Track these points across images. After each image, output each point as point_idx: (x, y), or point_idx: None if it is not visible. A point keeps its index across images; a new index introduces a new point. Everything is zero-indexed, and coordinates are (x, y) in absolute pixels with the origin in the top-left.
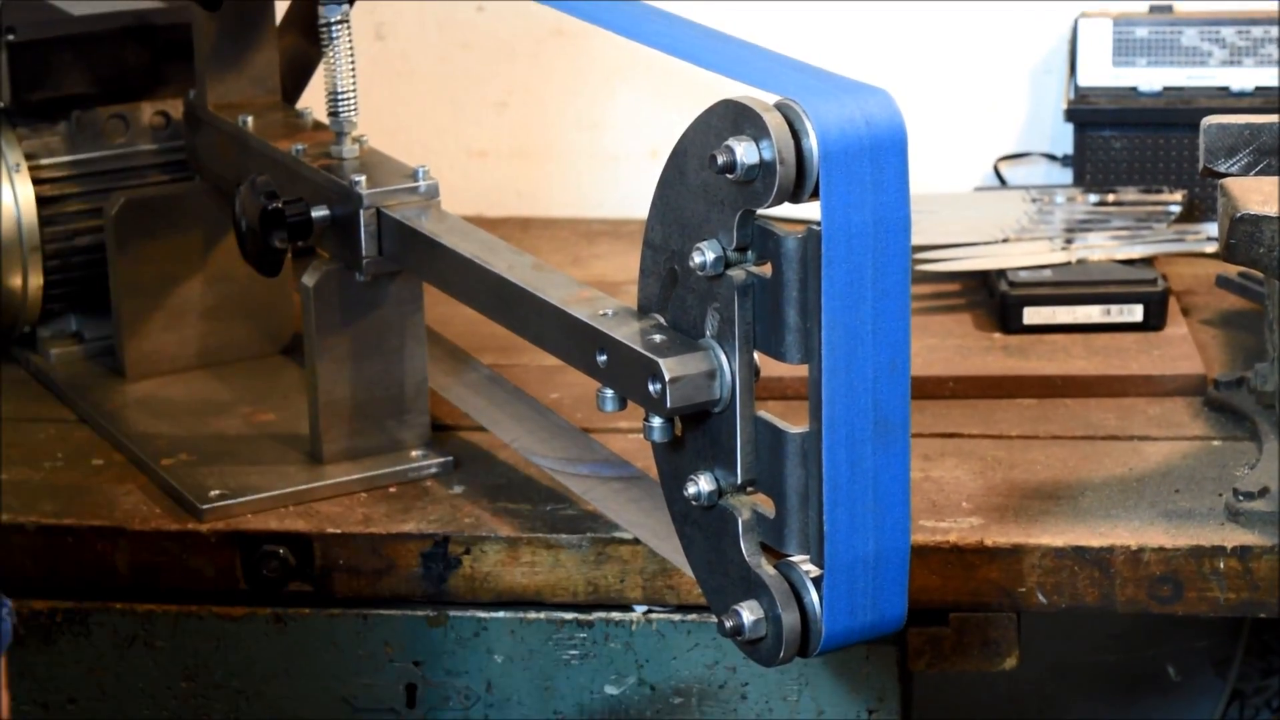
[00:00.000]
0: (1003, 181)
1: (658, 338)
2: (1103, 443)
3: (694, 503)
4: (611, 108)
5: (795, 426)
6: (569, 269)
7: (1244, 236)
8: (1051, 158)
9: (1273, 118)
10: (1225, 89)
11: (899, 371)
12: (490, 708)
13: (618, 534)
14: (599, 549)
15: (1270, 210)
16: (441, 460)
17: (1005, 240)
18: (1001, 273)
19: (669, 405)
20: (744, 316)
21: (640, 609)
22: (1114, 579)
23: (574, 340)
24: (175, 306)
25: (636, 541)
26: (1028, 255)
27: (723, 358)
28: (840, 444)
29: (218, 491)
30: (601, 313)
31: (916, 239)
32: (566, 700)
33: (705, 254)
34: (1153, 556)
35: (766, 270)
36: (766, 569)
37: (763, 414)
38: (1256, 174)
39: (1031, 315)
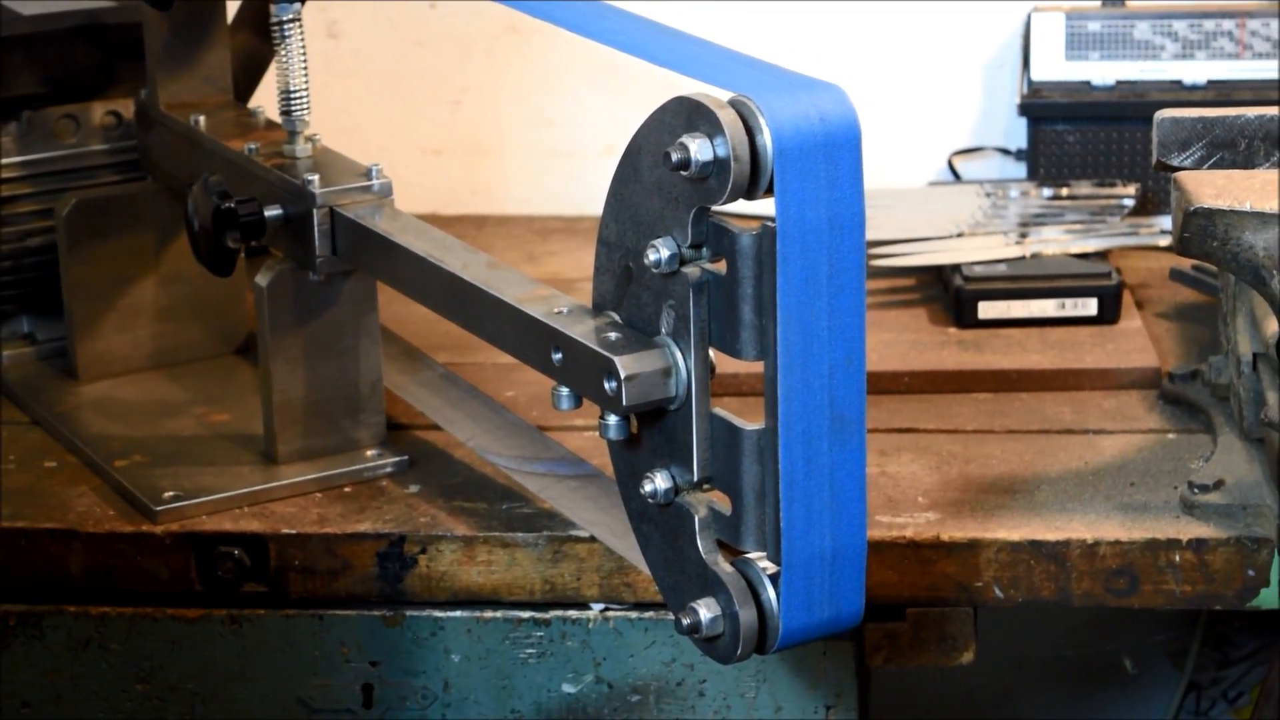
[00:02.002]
0: (957, 176)
1: (613, 335)
2: (1058, 436)
3: (650, 500)
4: (566, 105)
5: (751, 423)
6: (524, 266)
7: (1197, 230)
8: (1005, 152)
9: (1226, 111)
10: (1178, 82)
11: (854, 367)
12: (448, 707)
13: (574, 532)
14: (555, 547)
15: (1223, 204)
16: (396, 459)
17: (960, 235)
18: (956, 267)
19: (625, 403)
20: (699, 314)
21: (597, 607)
22: (1070, 573)
23: (529, 338)
24: (128, 307)
25: (593, 540)
26: (982, 250)
27: (678, 355)
28: (796, 440)
29: (171, 493)
30: (556, 310)
31: (871, 234)
32: (524, 699)
33: (660, 251)
34: (1108, 550)
35: (721, 267)
36: (723, 566)
37: (719, 411)
38: (1210, 167)
39: (986, 310)
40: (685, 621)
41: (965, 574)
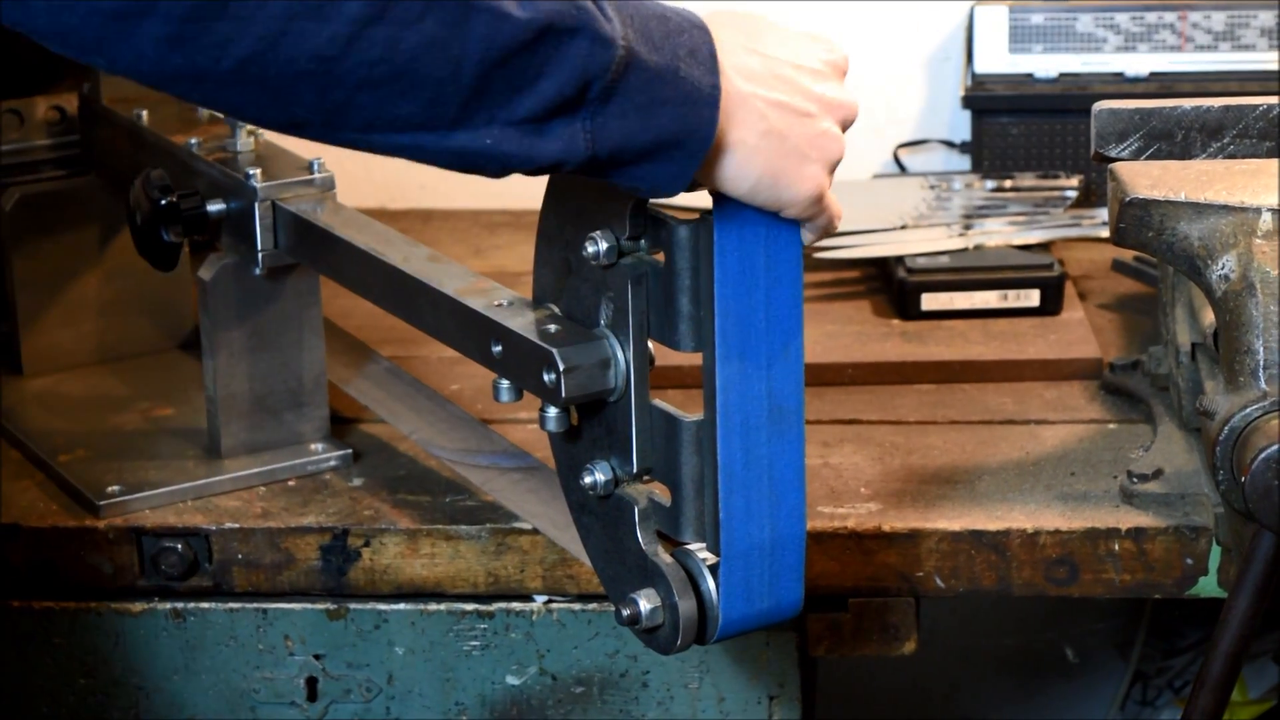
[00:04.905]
0: (902, 168)
1: (552, 328)
2: (1000, 427)
3: (590, 492)
4: None
5: (690, 415)
6: (470, 260)
7: (1133, 220)
8: (949, 144)
9: (1164, 103)
10: (1120, 74)
11: (793, 358)
12: (392, 700)
13: (517, 524)
14: (499, 540)
15: (1159, 194)
16: (340, 453)
17: (904, 227)
18: (899, 259)
19: (564, 395)
20: (638, 305)
21: (540, 599)
22: (1010, 562)
23: (469, 331)
24: (72, 302)
25: (535, 532)
26: (925, 242)
27: (617, 347)
28: (734, 431)
29: (115, 487)
30: (496, 303)
31: None
32: (468, 691)
33: (598, 243)
34: (1048, 539)
35: (659, 259)
36: (663, 557)
37: (657, 402)
38: (1147, 158)
39: (929, 301)
40: (625, 612)
41: (907, 564)
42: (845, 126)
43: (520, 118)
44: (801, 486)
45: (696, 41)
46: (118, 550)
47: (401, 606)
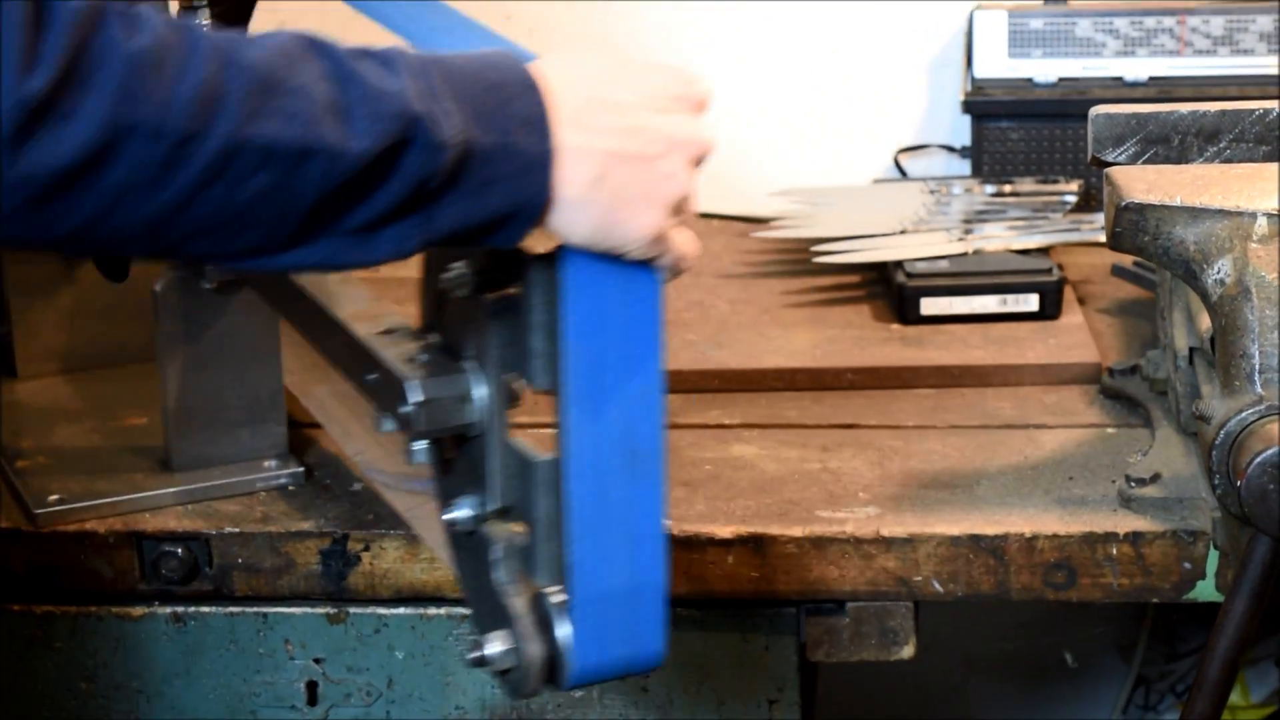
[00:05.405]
0: (903, 173)
1: (422, 358)
2: (999, 431)
3: (453, 528)
4: None
5: (543, 454)
6: None
7: (1129, 225)
8: (950, 149)
9: (1161, 107)
10: (1119, 79)
11: (650, 400)
12: (392, 704)
13: None
14: None
15: (1155, 199)
16: (292, 471)
17: (903, 231)
18: (899, 264)
19: (418, 427)
20: (496, 339)
21: None
22: (1009, 566)
23: (351, 357)
24: (69, 306)
25: None
26: (925, 246)
27: (479, 381)
28: (586, 473)
29: (55, 496)
30: (380, 330)
31: (816, 231)
32: (468, 695)
33: (458, 272)
34: (1046, 544)
35: (518, 293)
36: (518, 599)
37: (513, 440)
38: (1144, 163)
39: (929, 306)
40: (471, 655)
41: (905, 568)
42: (698, 161)
43: (354, 229)
44: (660, 533)
45: (529, 107)
46: (118, 554)
47: (401, 611)
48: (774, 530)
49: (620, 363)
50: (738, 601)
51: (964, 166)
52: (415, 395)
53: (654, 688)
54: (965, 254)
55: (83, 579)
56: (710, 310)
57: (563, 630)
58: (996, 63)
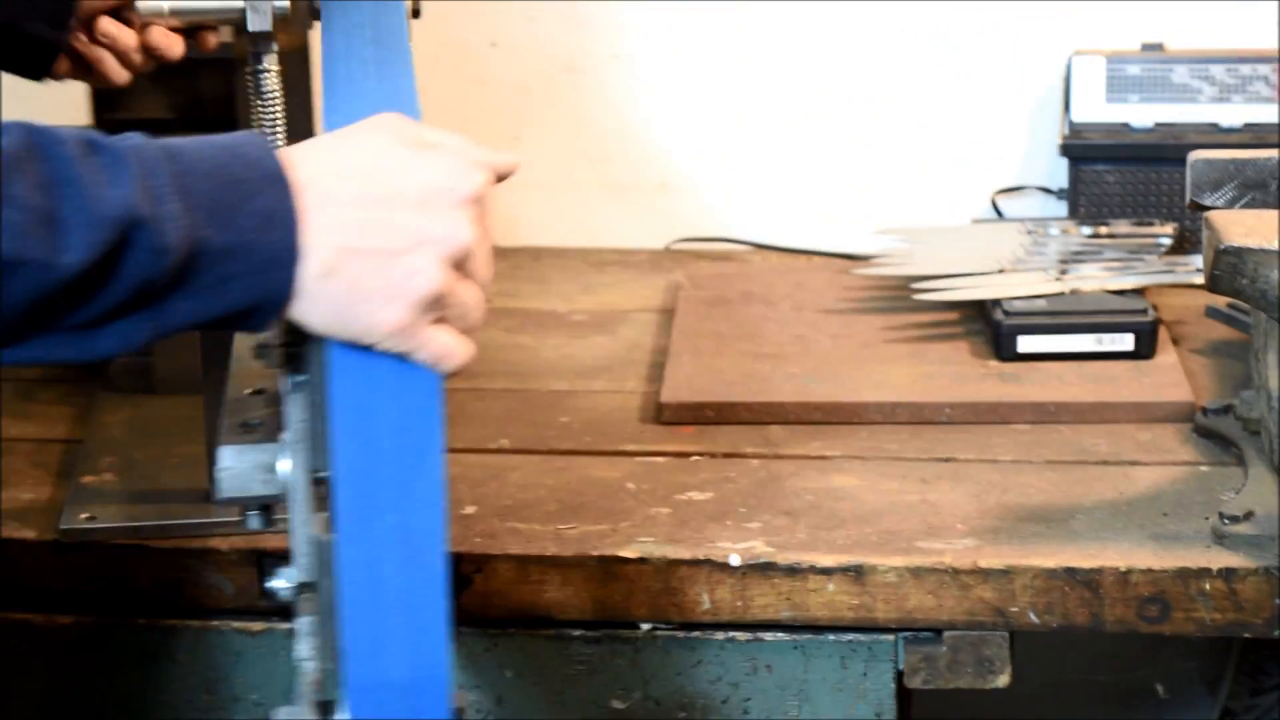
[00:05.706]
0: (1000, 214)
1: (256, 423)
2: (1094, 467)
3: (274, 597)
4: (622, 142)
5: (324, 535)
6: (579, 297)
7: (1227, 268)
8: (1047, 191)
9: (1258, 153)
10: (1215, 125)
11: (429, 491)
12: None
13: (621, 554)
14: (606, 568)
15: (1253, 243)
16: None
17: (1001, 271)
18: (997, 302)
19: (221, 493)
20: (295, 414)
21: (645, 626)
22: (1103, 599)
23: (218, 413)
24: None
25: (642, 561)
26: (1023, 285)
27: (286, 454)
28: (358, 562)
29: (85, 514)
30: (249, 390)
31: (916, 269)
32: (575, 714)
33: (255, 341)
34: (1140, 578)
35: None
36: (307, 679)
37: (317, 515)
38: (1241, 207)
39: (1026, 344)
40: None
41: (1002, 599)
42: (455, 259)
43: (75, 327)
44: (443, 629)
45: (272, 204)
46: (239, 571)
47: (511, 631)
48: (874, 560)
49: (397, 449)
50: (838, 628)
51: (1060, 208)
52: (223, 460)
53: (755, 711)
54: (1062, 293)
55: (204, 594)
56: (812, 344)
57: (340, 716)
58: (1094, 107)
